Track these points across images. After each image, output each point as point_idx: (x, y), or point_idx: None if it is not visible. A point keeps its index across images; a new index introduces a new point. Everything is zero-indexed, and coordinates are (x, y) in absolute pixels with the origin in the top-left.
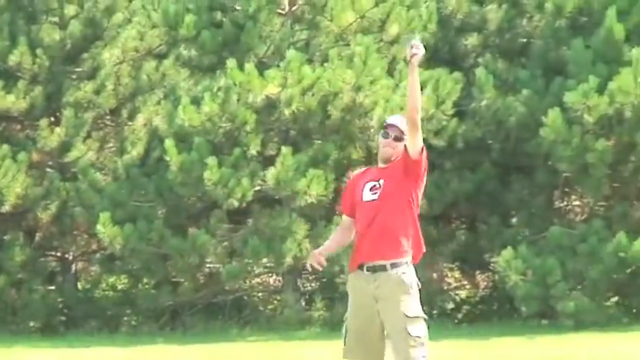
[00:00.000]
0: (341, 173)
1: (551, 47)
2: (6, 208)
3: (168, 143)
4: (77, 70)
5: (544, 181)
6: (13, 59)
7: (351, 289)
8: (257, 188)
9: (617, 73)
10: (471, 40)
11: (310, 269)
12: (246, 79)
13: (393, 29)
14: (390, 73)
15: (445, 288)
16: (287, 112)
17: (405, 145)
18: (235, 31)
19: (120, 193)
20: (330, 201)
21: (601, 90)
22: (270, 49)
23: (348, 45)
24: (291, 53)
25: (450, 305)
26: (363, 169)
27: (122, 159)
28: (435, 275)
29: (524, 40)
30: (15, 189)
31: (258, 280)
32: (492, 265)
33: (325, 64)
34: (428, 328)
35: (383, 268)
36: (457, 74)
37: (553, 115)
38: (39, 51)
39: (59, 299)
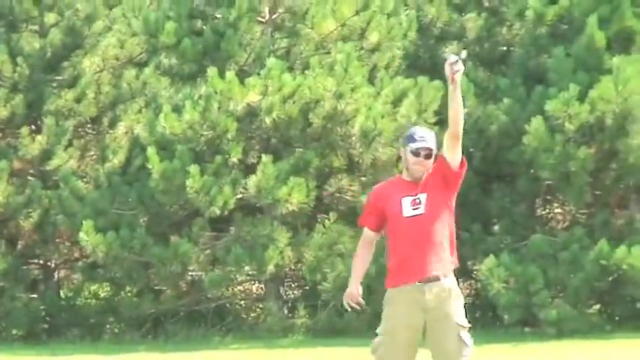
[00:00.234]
0: (322, 181)
1: (532, 55)
2: None
3: (150, 151)
4: (58, 78)
5: (526, 189)
6: None
7: (395, 302)
8: (239, 196)
9: (598, 81)
10: (451, 48)
11: (349, 309)
12: (227, 87)
13: (373, 37)
14: (370, 81)
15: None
16: (268, 120)
17: (445, 158)
18: (216, 39)
19: (102, 201)
20: (311, 209)
21: (582, 98)
22: (251, 57)
23: (329, 53)
24: (271, 61)
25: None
26: (385, 182)
27: (104, 167)
28: None
29: (505, 48)
30: None
31: (240, 287)
32: (475, 273)
33: (306, 72)
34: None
35: (436, 279)
36: (438, 82)
37: (536, 124)
38: (19, 59)
39: (42, 307)
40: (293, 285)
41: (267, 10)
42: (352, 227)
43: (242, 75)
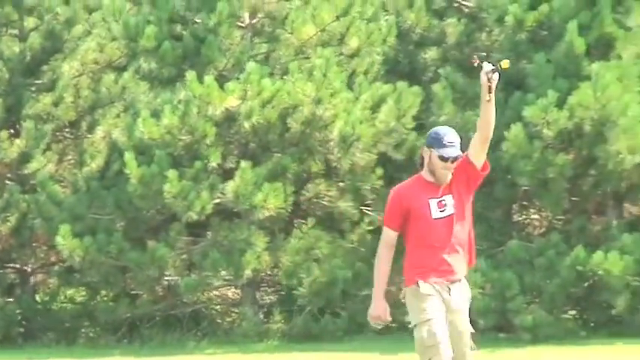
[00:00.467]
0: (300, 186)
1: (511, 61)
2: None
3: (128, 156)
4: (37, 82)
5: (503, 195)
6: None
7: (427, 293)
8: (216, 201)
9: (577, 87)
10: (431, 53)
11: (379, 327)
12: (206, 91)
13: (352, 42)
14: (349, 86)
15: (403, 301)
16: (247, 124)
17: (471, 159)
18: (195, 43)
19: (79, 206)
20: (288, 214)
21: (561, 104)
22: (230, 61)
23: (308, 58)
24: (251, 66)
25: (409, 318)
26: (406, 182)
27: (81, 171)
28: (393, 289)
29: (484, 54)
30: None
31: (216, 292)
32: None
33: (285, 77)
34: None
35: (458, 280)
36: (416, 88)
37: (515, 130)
38: None
39: (17, 311)
40: (269, 290)
41: (246, 15)
42: (329, 232)
43: (221, 80)
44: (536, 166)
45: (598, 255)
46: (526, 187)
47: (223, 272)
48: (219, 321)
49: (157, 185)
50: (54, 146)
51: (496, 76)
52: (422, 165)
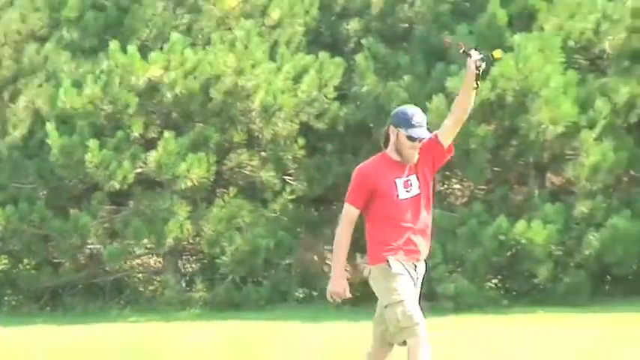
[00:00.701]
0: (222, 156)
1: (434, 32)
2: None
3: (50, 126)
4: None
5: None
6: None
7: (397, 274)
8: (138, 170)
9: (499, 58)
10: (353, 24)
11: (332, 301)
12: (129, 61)
13: (275, 14)
14: (271, 57)
15: (325, 270)
16: (169, 95)
17: (440, 139)
18: (118, 13)
19: (1, 175)
20: (211, 183)
21: (483, 75)
22: (153, 32)
23: (231, 29)
24: (174, 36)
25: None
26: (371, 161)
27: (4, 141)
28: (315, 257)
29: (406, 25)
30: None
31: (138, 261)
32: None
33: (207, 48)
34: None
35: (422, 260)
36: (338, 59)
37: (437, 101)
38: None
39: None
40: (191, 259)
41: None
42: (251, 202)
43: (144, 50)
44: (458, 136)
45: (520, 224)
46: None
47: (145, 241)
48: (141, 289)
49: (79, 155)
50: None
51: (484, 64)
52: (386, 144)
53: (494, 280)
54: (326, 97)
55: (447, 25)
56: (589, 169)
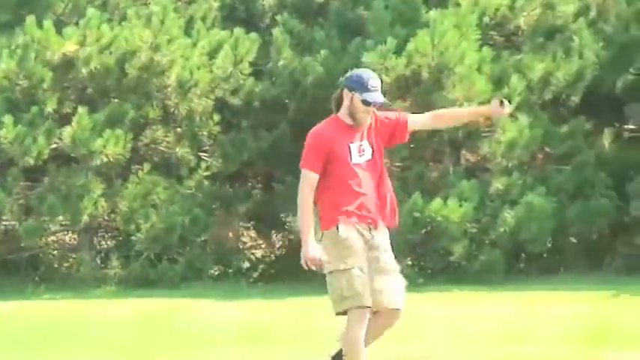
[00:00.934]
0: (138, 132)
1: (349, 7)
2: None
3: None
4: None
5: None
6: None
7: (346, 240)
8: (53, 146)
9: (415, 34)
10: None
11: (307, 268)
12: (45, 36)
13: None
14: (187, 32)
15: (240, 247)
16: (85, 70)
17: (408, 123)
18: None
19: None
20: (126, 159)
21: (399, 51)
22: (69, 6)
23: (147, 4)
24: (89, 12)
25: (246, 264)
26: (324, 124)
27: None
28: (230, 234)
29: (322, 0)
30: None
31: (53, 237)
32: (288, 224)
33: (123, 23)
34: None
35: (378, 226)
36: (254, 34)
37: None
38: None
39: None
40: (106, 235)
41: None
42: (166, 178)
43: (60, 25)
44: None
45: (436, 202)
46: None
47: (61, 217)
48: (56, 266)
49: None
50: None
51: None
52: (337, 107)
53: (409, 258)
54: (241, 73)
55: (363, 0)
56: (504, 146)
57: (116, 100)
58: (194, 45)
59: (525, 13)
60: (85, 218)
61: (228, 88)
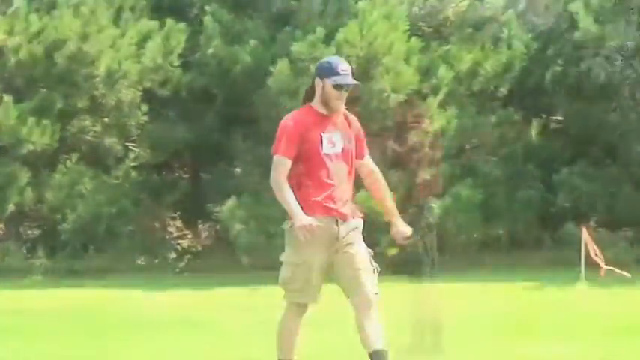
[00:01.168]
0: (66, 122)
1: None
2: None
3: None
4: None
5: (268, 130)
6: None
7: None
8: None
9: (344, 25)
10: None
11: (303, 238)
12: None
13: None
14: (115, 23)
15: (167, 237)
16: (13, 59)
17: (358, 150)
18: None
19: None
20: (53, 150)
21: (328, 41)
22: None
23: None
24: (18, 1)
25: (172, 255)
26: (298, 112)
27: None
28: (157, 224)
29: None
30: None
31: None
32: (215, 214)
33: (52, 13)
34: None
35: (347, 218)
36: (183, 24)
37: (281, 66)
38: None
39: None
40: (33, 225)
41: None
42: (93, 168)
43: None
44: (301, 102)
45: (363, 194)
46: None
47: None
48: None
49: None
50: None
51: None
52: (309, 98)
53: None
54: (170, 64)
55: None
56: (433, 137)
57: (44, 90)
58: (123, 35)
59: (454, 4)
60: (12, 207)
61: (156, 79)
